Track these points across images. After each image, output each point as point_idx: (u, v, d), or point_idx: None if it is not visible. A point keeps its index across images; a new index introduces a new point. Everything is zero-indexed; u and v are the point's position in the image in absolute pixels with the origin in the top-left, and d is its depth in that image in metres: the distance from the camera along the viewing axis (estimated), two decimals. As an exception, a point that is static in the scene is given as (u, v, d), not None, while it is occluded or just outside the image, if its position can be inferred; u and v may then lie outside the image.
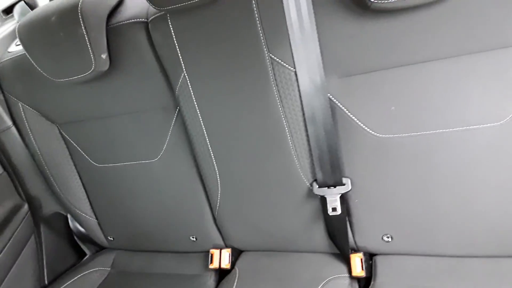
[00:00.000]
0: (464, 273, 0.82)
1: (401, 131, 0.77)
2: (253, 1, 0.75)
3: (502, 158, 0.72)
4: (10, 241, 1.14)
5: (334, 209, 0.85)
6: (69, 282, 1.20)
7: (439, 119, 0.74)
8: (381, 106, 0.77)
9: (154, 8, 0.78)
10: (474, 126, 0.72)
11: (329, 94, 0.79)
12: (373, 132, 0.79)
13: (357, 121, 0.80)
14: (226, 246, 1.09)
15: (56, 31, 0.85)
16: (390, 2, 0.65)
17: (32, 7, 1.22)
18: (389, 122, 0.78)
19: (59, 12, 0.85)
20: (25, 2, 1.21)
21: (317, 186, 0.87)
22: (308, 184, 0.89)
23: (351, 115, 0.80)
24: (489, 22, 0.65)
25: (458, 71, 0.70)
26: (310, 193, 0.88)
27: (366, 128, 0.80)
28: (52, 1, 0.93)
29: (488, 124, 0.71)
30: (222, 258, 1.07)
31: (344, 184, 0.85)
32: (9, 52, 1.08)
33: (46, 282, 1.26)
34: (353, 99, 0.79)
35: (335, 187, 0.85)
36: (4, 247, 1.11)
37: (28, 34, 0.88)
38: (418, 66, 0.72)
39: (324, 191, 0.86)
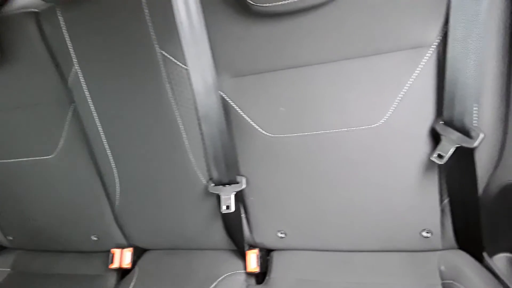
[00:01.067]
0: (350, 267, 0.87)
1: (289, 131, 0.80)
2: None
3: (378, 158, 0.77)
4: None
5: (227, 207, 0.86)
6: None
7: (322, 120, 0.77)
8: (271, 107, 0.79)
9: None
10: (352, 128, 0.76)
11: (223, 93, 0.80)
12: (264, 132, 0.81)
13: (250, 120, 0.81)
14: (129, 245, 1.07)
15: None
16: (268, 6, 0.67)
17: None
18: (279, 122, 0.80)
19: None
20: None
21: (213, 185, 0.87)
22: (205, 182, 0.89)
23: (244, 115, 0.81)
24: (362, 30, 0.69)
25: (338, 75, 0.74)
26: (207, 191, 0.89)
27: (257, 127, 0.81)
28: None
29: (365, 126, 0.75)
30: (123, 258, 1.05)
31: (238, 183, 0.86)
32: None
33: None
34: (245, 98, 0.81)
35: (230, 185, 0.86)
36: None
37: None
38: (304, 69, 0.75)
39: (219, 189, 0.87)
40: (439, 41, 0.65)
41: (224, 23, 0.74)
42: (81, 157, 0.96)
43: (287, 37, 0.72)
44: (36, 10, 0.83)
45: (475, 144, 0.65)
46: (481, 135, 0.65)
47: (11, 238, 1.19)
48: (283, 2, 0.66)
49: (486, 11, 0.59)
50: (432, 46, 0.66)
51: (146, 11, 0.75)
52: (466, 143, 0.66)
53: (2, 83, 0.91)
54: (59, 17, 0.80)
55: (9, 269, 1.17)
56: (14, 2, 0.88)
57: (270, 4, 0.67)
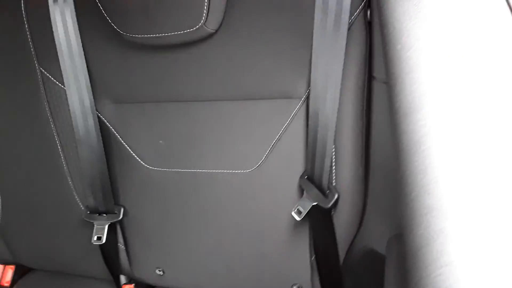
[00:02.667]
0: None
1: (167, 165, 0.77)
2: (22, 7, 0.71)
3: (251, 205, 0.74)
4: None
5: (99, 238, 0.81)
6: None
7: (200, 159, 0.74)
8: (151, 138, 0.76)
9: None
10: (227, 171, 0.73)
11: (103, 118, 0.77)
12: (143, 163, 0.78)
13: (129, 149, 0.78)
14: (13, 263, 1.02)
15: None
16: (139, 37, 0.64)
17: None
18: (158, 155, 0.77)
19: None
20: None
21: (88, 212, 0.83)
22: (83, 208, 0.85)
23: (124, 143, 0.78)
24: (235, 73, 0.67)
25: (216, 115, 0.71)
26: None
27: (137, 157, 0.78)
28: None
29: (238, 171, 0.72)
30: (4, 275, 0.99)
31: (115, 213, 0.82)
32: None
33: None
34: (127, 126, 0.78)
35: (106, 214, 0.82)
36: None
37: None
38: (184, 104, 0.72)
39: (94, 218, 0.83)
40: (307, 94, 0.63)
41: (103, 47, 0.71)
42: None
43: (165, 70, 0.70)
44: None
45: (329, 204, 0.63)
46: (336, 195, 0.63)
47: None
48: (155, 35, 0.64)
49: (342, 70, 0.57)
50: (301, 99, 0.64)
51: (26, 24, 0.72)
52: (323, 202, 0.63)
53: None
54: None
55: None
56: None
57: (141, 36, 0.64)
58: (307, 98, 0.63)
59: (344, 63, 0.57)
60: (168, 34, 0.63)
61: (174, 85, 0.71)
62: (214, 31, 0.63)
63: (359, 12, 0.58)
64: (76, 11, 0.69)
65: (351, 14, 0.56)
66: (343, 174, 0.64)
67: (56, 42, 0.71)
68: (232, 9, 0.62)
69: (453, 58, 0.31)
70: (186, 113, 0.73)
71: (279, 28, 0.62)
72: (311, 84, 0.60)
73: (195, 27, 0.61)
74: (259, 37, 0.63)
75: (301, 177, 0.67)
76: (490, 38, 0.31)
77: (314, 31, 0.58)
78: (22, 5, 0.73)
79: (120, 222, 0.84)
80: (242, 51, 0.65)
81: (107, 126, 0.78)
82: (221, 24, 0.63)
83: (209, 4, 0.59)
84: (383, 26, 0.41)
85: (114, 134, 0.78)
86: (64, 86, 0.75)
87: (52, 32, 0.71)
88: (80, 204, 0.85)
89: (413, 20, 0.36)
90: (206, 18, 0.60)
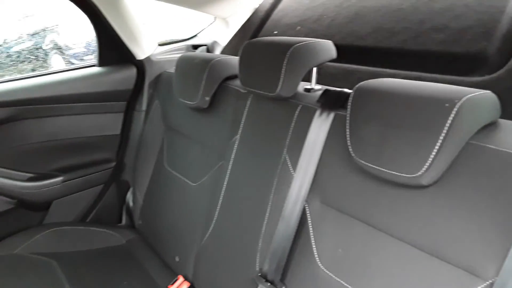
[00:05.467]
0: None
1: (340, 275, 0.84)
2: (294, 117, 0.99)
3: None
4: None
5: None
6: None
7: (369, 283, 0.80)
8: (335, 245, 0.87)
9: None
10: None
11: (307, 209, 0.93)
12: (320, 264, 0.88)
13: (314, 247, 0.91)
14: (192, 283, 1.25)
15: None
16: (364, 163, 0.79)
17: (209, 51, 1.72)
18: (334, 261, 0.86)
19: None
20: (207, 49, 1.72)
21: (259, 274, 0.98)
22: (256, 269, 1.01)
23: (313, 239, 0.91)
24: (432, 227, 0.71)
25: (394, 253, 0.76)
26: (253, 279, 1.00)
27: (317, 257, 0.90)
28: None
29: None
30: (180, 286, 1.24)
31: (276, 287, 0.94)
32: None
33: None
34: (319, 226, 0.91)
35: (271, 284, 0.95)
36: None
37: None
38: (379, 233, 0.80)
39: (261, 281, 0.97)
40: (493, 281, 0.62)
41: (336, 158, 0.89)
42: None
43: (377, 197, 0.81)
44: (244, 90, 1.19)
45: None
46: None
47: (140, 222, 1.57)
48: (381, 168, 0.76)
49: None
50: (486, 282, 0.63)
51: (292, 126, 0.99)
52: None
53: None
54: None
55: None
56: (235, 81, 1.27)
57: (369, 164, 0.78)
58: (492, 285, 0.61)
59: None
60: (390, 172, 0.75)
61: (378, 213, 0.80)
62: (426, 185, 0.71)
63: None
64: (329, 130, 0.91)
65: None
66: None
67: (306, 144, 0.94)
68: (450, 169, 0.70)
69: None
70: (372, 238, 0.81)
71: (490, 198, 0.65)
72: (501, 273, 0.59)
73: (412, 175, 0.71)
74: (468, 201, 0.67)
75: None
76: None
77: None
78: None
79: None
80: (447, 209, 0.70)
81: (306, 217, 0.93)
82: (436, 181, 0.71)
83: (431, 162, 0.68)
84: None
85: (308, 227, 0.93)
86: (294, 172, 0.96)
87: (304, 135, 0.95)
88: (257, 264, 1.01)
89: None
90: (424, 172, 0.69)
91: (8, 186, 1.47)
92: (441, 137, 0.67)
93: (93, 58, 1.64)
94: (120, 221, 1.74)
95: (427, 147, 0.68)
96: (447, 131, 0.66)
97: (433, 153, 0.67)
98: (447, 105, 0.67)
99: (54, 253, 1.36)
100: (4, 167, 1.46)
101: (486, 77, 0.94)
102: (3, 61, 3.80)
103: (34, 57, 4.22)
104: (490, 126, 0.72)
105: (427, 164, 0.68)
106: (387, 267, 0.77)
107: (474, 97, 0.68)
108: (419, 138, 0.70)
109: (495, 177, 0.66)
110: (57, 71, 1.53)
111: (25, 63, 3.99)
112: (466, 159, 0.69)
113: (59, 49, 4.71)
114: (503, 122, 0.74)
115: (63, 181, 1.56)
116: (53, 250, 1.38)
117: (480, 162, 0.68)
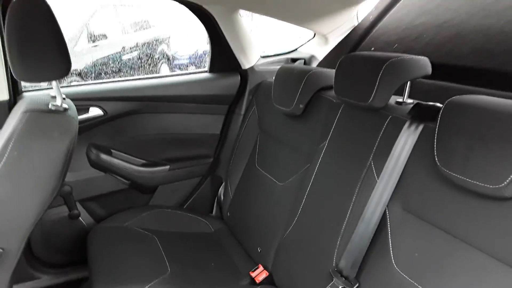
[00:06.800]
0: None
1: (414, 277, 0.88)
2: (384, 126, 1.06)
3: None
4: None
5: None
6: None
7: None
8: (412, 249, 0.91)
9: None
10: None
11: (388, 215, 0.99)
12: (394, 264, 0.93)
13: (391, 252, 0.95)
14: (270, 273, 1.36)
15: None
16: (449, 173, 0.82)
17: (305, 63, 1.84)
18: (409, 264, 0.90)
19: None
20: (304, 62, 1.84)
21: (335, 269, 1.05)
22: (334, 264, 1.08)
23: (390, 240, 0.96)
24: None
25: (481, 267, 0.78)
26: (329, 275, 1.07)
27: (392, 258, 0.94)
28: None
29: None
30: (260, 275, 1.35)
31: (351, 283, 1.00)
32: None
33: None
34: (398, 230, 0.96)
35: (346, 279, 1.02)
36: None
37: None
38: (457, 242, 0.83)
39: (336, 275, 1.04)
40: None
41: (421, 167, 0.93)
42: None
43: (461, 208, 0.83)
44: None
45: None
46: None
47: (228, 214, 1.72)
48: (469, 180, 0.80)
49: None
50: None
51: (380, 134, 1.06)
52: None
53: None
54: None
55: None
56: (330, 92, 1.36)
57: (455, 175, 0.82)
58: None
59: None
60: (474, 182, 0.78)
61: (461, 223, 0.83)
62: (509, 197, 0.73)
63: None
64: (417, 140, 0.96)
65: None
66: None
67: (392, 152, 1.00)
68: None
69: None
70: (449, 245, 0.84)
71: None
72: None
73: (495, 186, 0.73)
74: None
75: None
76: None
77: None
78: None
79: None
80: None
81: (386, 221, 0.98)
82: None
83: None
84: None
85: (387, 230, 0.98)
86: (377, 178, 1.02)
87: (393, 144, 1.00)
88: (334, 260, 1.08)
89: None
90: (508, 184, 0.71)
91: (125, 168, 1.73)
92: None
93: (194, 69, 1.87)
94: (211, 211, 1.93)
95: None
96: None
97: None
98: None
99: (156, 230, 1.58)
100: (124, 152, 1.73)
101: None
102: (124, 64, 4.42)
103: (146, 64, 4.82)
104: None
105: (511, 176, 0.71)
106: (463, 275, 0.79)
107: None
108: (505, 151, 0.72)
109: None
110: (176, 74, 1.78)
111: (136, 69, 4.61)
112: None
113: (167, 59, 5.28)
114: None
115: (169, 169, 1.79)
116: (155, 228, 1.59)
117: None
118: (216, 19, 1.61)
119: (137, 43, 4.97)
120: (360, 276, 1.01)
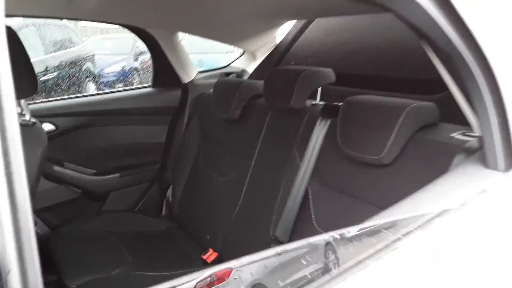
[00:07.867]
0: None
1: (326, 230, 1.17)
2: (303, 123, 1.35)
3: None
4: None
5: None
6: None
7: None
8: (327, 212, 1.20)
9: None
10: None
11: (310, 189, 1.27)
12: (315, 225, 1.22)
13: (312, 213, 1.24)
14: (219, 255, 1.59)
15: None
16: (348, 151, 1.13)
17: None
18: (325, 223, 1.20)
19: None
20: (237, 75, 2.12)
21: (273, 237, 1.32)
22: (271, 234, 1.34)
23: (312, 209, 1.25)
24: None
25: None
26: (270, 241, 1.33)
27: (314, 221, 1.23)
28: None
29: None
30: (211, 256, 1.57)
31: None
32: None
33: None
34: (318, 200, 1.25)
35: (281, 243, 1.28)
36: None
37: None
38: (358, 201, 1.14)
39: (275, 243, 1.30)
40: None
41: (330, 151, 1.23)
42: None
43: (357, 174, 1.15)
44: None
45: None
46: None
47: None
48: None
49: None
50: None
51: (300, 129, 1.35)
52: None
53: None
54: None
55: None
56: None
57: (350, 152, 1.13)
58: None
59: None
60: (364, 156, 1.09)
61: (356, 186, 1.14)
62: (387, 163, 1.05)
63: None
64: (326, 131, 1.26)
65: None
66: None
67: (310, 142, 1.30)
68: (402, 154, 1.03)
69: None
70: (353, 205, 1.14)
71: (429, 173, 0.98)
72: None
73: (377, 156, 1.05)
74: (413, 175, 1.00)
75: None
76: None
77: None
78: None
79: None
80: (401, 181, 1.03)
81: (308, 195, 1.27)
82: None
83: (389, 148, 1.02)
84: None
85: (309, 202, 1.26)
86: (300, 162, 1.31)
87: (310, 135, 1.30)
88: (271, 230, 1.34)
89: None
90: (385, 154, 1.03)
91: (77, 178, 1.87)
92: (395, 130, 1.01)
93: (122, 86, 2.08)
94: (161, 212, 2.11)
95: (387, 137, 1.03)
96: (399, 127, 1.01)
97: (390, 141, 1.02)
98: (399, 110, 1.02)
99: (111, 231, 1.73)
100: (76, 163, 1.87)
101: (439, 95, 1.28)
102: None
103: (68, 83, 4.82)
104: (432, 126, 1.06)
105: (386, 148, 1.03)
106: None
107: (417, 106, 1.03)
108: (382, 132, 1.04)
109: (432, 159, 0.99)
110: (122, 90, 1.97)
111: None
112: (413, 147, 1.03)
113: (93, 77, 5.28)
114: (442, 124, 1.08)
115: (119, 177, 1.95)
116: (110, 229, 1.75)
117: (422, 149, 1.01)
118: (158, 40, 1.83)
119: (60, 62, 4.92)
120: (292, 239, 1.28)
